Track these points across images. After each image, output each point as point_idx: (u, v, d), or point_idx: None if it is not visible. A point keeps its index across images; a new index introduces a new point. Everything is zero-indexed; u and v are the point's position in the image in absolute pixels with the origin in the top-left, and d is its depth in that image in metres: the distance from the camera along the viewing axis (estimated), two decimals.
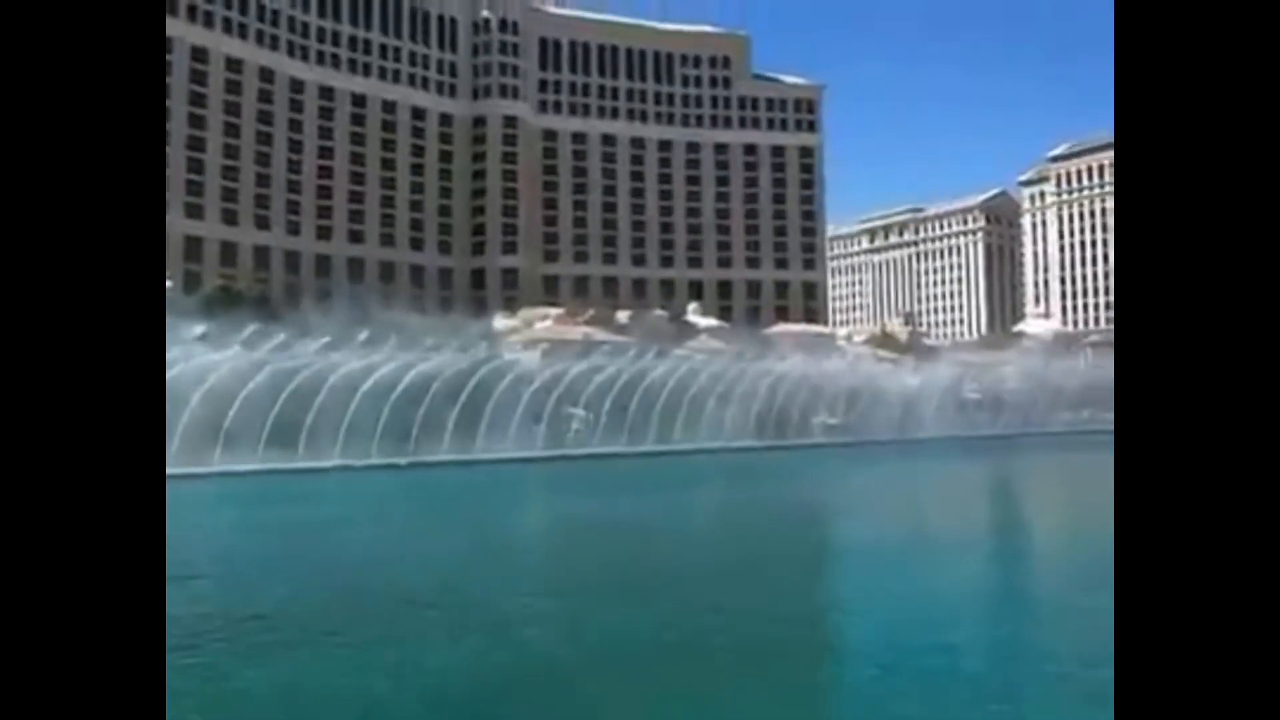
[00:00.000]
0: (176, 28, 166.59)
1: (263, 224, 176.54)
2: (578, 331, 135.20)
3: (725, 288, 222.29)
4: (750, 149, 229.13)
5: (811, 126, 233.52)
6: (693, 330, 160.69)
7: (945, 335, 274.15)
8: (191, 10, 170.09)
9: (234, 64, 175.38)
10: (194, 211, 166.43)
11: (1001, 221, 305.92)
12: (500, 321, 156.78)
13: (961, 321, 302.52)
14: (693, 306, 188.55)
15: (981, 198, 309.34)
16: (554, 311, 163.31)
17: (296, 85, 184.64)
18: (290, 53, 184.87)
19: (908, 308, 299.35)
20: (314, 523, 41.63)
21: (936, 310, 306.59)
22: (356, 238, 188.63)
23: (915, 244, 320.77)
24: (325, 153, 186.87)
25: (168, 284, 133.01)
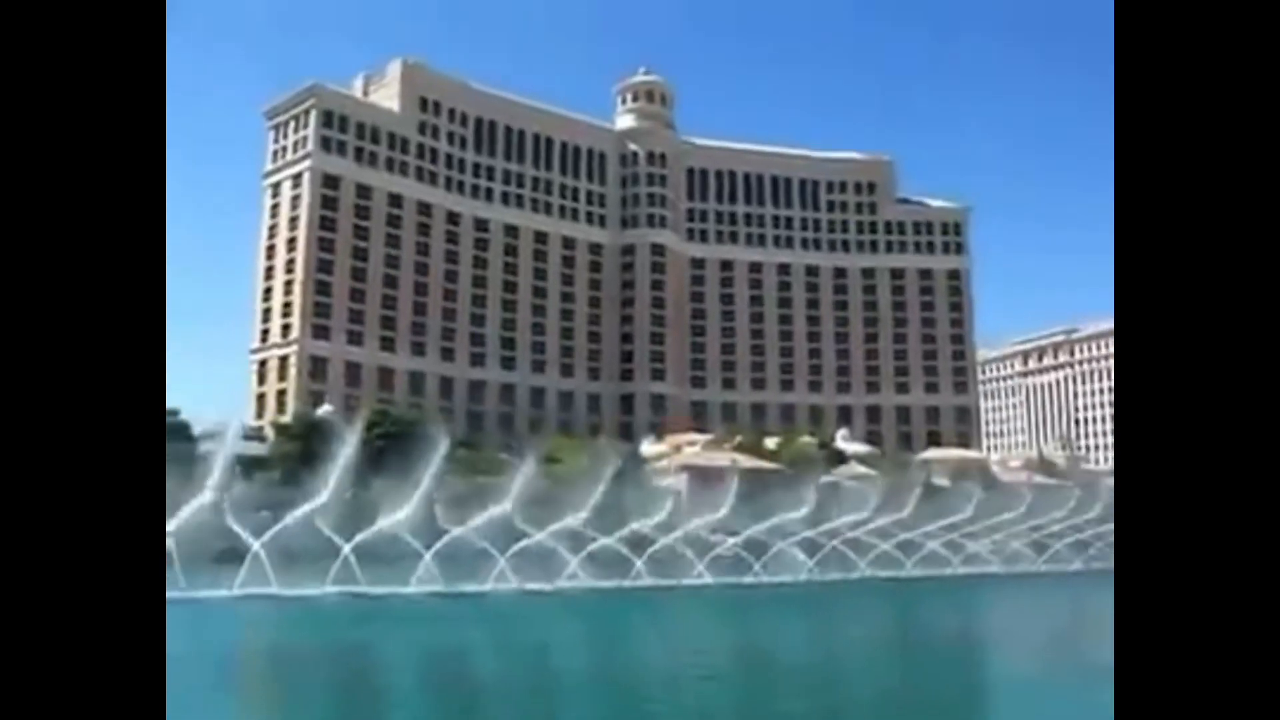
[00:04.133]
0: (341, 167, 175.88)
1: (418, 350, 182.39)
2: (725, 458, 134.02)
3: (874, 413, 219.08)
4: (897, 273, 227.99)
5: (959, 248, 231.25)
6: (842, 456, 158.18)
7: (1105, 460, 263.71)
8: (359, 151, 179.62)
9: (395, 199, 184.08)
10: (355, 338, 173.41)
11: None
12: (648, 447, 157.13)
13: None
14: (842, 432, 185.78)
15: None
16: (701, 437, 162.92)
17: (453, 218, 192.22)
18: (447, 187, 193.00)
19: (1063, 431, 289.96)
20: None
21: (1095, 434, 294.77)
22: (508, 364, 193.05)
23: (1070, 365, 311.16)
24: (479, 282, 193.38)
25: (327, 407, 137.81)
